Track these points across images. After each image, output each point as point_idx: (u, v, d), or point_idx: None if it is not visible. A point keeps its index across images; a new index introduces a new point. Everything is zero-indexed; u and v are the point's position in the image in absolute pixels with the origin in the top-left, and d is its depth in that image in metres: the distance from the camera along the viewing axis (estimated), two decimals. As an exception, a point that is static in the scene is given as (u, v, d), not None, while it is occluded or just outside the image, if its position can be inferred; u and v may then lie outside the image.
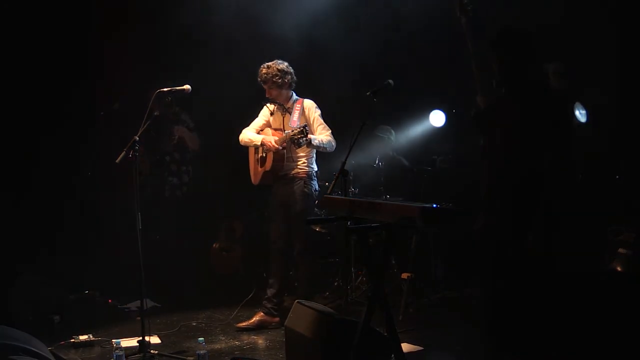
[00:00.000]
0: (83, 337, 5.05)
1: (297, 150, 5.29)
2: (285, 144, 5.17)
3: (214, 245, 6.75)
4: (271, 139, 5.24)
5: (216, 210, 6.94)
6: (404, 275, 5.58)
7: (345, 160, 4.47)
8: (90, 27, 6.21)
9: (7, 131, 5.91)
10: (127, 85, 6.29)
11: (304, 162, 5.35)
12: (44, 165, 6.10)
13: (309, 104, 5.35)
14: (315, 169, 5.44)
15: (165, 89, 4.84)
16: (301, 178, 5.33)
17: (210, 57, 6.51)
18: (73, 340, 5.02)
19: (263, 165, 5.37)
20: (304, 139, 4.89)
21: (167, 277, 6.18)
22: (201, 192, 6.68)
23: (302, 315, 4.22)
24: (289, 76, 5.30)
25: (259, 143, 5.34)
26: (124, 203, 5.63)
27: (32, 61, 5.96)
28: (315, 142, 5.12)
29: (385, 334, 3.63)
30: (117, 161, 4.58)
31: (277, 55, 5.41)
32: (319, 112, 5.35)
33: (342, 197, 4.35)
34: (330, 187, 4.69)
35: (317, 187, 5.43)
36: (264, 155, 5.38)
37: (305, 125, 4.97)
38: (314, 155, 5.44)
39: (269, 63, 5.29)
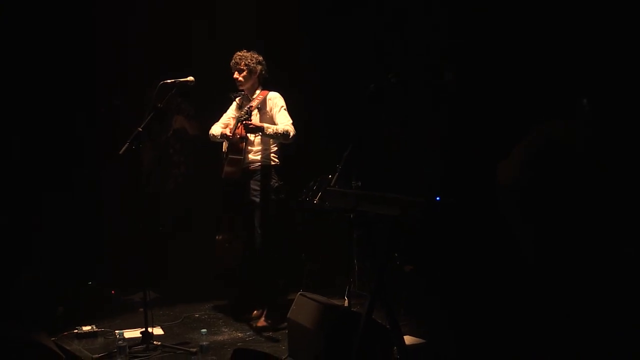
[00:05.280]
0: (86, 328, 5.06)
1: (254, 142, 5.20)
2: (242, 131, 5.04)
3: (217, 237, 6.73)
4: (228, 129, 5.19)
5: (219, 202, 6.92)
6: (407, 268, 5.58)
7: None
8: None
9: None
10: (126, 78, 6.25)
11: (262, 154, 5.22)
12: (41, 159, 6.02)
13: (272, 94, 5.23)
14: (277, 162, 5.29)
15: (168, 81, 4.82)
16: (259, 171, 5.21)
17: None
18: (76, 331, 5.03)
19: (226, 158, 5.24)
20: (248, 120, 4.84)
21: (170, 268, 6.21)
22: (203, 183, 6.64)
23: (304, 307, 4.24)
24: (261, 66, 5.23)
25: (219, 136, 5.27)
26: (126, 194, 5.65)
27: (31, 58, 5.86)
28: (269, 131, 5.01)
29: (388, 326, 3.64)
30: (120, 152, 4.56)
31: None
32: (282, 103, 5.21)
33: (345, 190, 4.34)
34: (334, 180, 4.68)
35: (275, 182, 5.26)
36: (227, 147, 5.28)
37: (252, 107, 4.94)
38: (277, 147, 5.28)
39: (246, 50, 5.25)
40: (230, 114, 5.43)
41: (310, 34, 6.57)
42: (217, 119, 5.44)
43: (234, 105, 5.42)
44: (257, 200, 5.20)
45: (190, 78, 4.90)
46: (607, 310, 3.59)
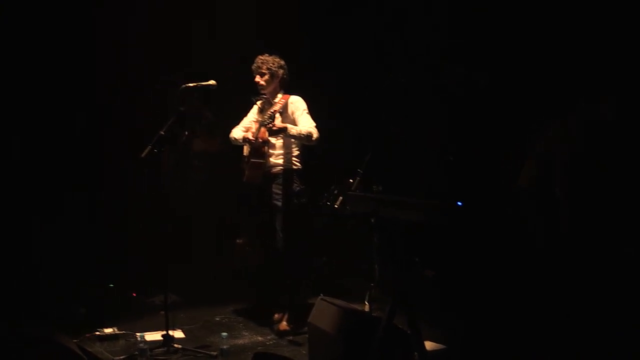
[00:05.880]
0: (108, 330, 5.08)
1: (276, 145, 5.19)
2: (264, 135, 5.03)
3: (238, 240, 6.73)
4: (250, 133, 5.18)
5: (239, 205, 6.91)
6: (429, 273, 5.53)
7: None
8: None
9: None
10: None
11: (284, 158, 5.19)
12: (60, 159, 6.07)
13: (294, 98, 5.21)
14: (299, 165, 5.26)
15: (190, 84, 4.83)
16: (280, 175, 5.19)
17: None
18: (98, 333, 5.04)
19: (248, 162, 5.23)
20: (272, 124, 4.81)
21: (191, 271, 6.19)
22: (224, 185, 6.62)
23: (325, 311, 4.21)
24: (283, 70, 5.20)
25: (241, 139, 5.26)
26: (147, 196, 5.67)
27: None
28: (292, 132, 4.98)
29: (409, 331, 3.61)
30: (142, 156, 4.55)
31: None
32: (304, 106, 5.17)
33: (366, 194, 4.32)
34: (355, 184, 4.66)
35: (297, 185, 5.22)
36: (248, 151, 5.27)
37: (275, 111, 4.90)
38: (299, 152, 5.25)
39: (268, 54, 5.22)
40: (251, 117, 5.41)
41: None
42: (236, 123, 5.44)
43: (255, 108, 5.40)
44: (279, 204, 5.18)
45: (212, 82, 4.91)
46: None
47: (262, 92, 5.26)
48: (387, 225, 3.89)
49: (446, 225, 4.63)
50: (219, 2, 6.41)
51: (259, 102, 5.35)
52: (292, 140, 5.16)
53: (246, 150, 5.32)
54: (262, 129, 5.02)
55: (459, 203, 4.87)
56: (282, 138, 5.14)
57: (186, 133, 6.30)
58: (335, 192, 5.41)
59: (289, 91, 5.29)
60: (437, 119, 5.84)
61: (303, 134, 5.02)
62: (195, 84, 4.86)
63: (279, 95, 5.26)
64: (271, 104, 5.23)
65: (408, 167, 5.97)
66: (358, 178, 5.02)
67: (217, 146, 6.42)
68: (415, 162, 5.99)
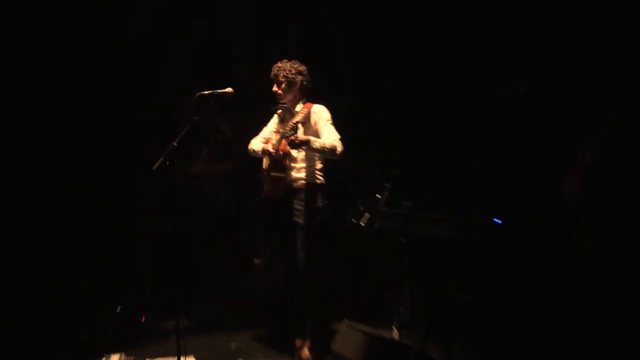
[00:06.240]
0: (115, 357, 4.90)
1: (298, 158, 4.91)
2: (285, 147, 4.75)
3: (256, 260, 6.45)
4: (270, 144, 4.93)
5: (257, 222, 6.65)
6: (464, 299, 5.18)
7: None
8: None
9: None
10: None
11: (306, 172, 4.92)
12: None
13: (317, 107, 4.93)
14: (322, 180, 4.96)
15: (206, 92, 4.56)
16: (302, 190, 4.90)
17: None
18: (104, 359, 4.85)
19: (267, 175, 4.98)
20: (294, 136, 4.52)
21: (205, 294, 5.96)
22: (241, 204, 6.40)
23: (349, 338, 4.00)
24: (301, 77, 4.93)
25: (260, 151, 5.02)
26: (159, 215, 5.50)
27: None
28: (315, 145, 4.68)
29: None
30: (154, 168, 4.29)
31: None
32: (328, 116, 4.90)
33: (396, 210, 4.07)
34: (383, 200, 4.38)
35: (320, 201, 4.92)
36: (268, 164, 5.03)
37: (297, 122, 4.62)
38: (323, 165, 4.97)
39: (287, 60, 4.97)
40: (271, 128, 5.17)
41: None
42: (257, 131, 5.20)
43: (275, 118, 5.15)
44: (301, 221, 4.88)
45: (229, 90, 4.64)
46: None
47: (281, 101, 5.02)
48: (419, 244, 3.72)
49: (484, 244, 4.34)
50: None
51: (279, 112, 5.09)
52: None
53: (265, 162, 5.08)
54: (283, 141, 4.76)
55: (498, 220, 4.55)
56: (304, 150, 4.85)
57: (206, 150, 6.05)
58: (361, 208, 5.14)
59: (313, 99, 5.02)
60: (473, 128, 5.56)
61: (327, 148, 4.73)
62: (210, 91, 4.60)
63: (301, 104, 4.99)
64: (292, 114, 4.98)
65: (441, 180, 5.67)
66: (386, 193, 4.78)
67: (231, 166, 6.17)
68: (449, 174, 5.68)
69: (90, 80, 5.99)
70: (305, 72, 4.96)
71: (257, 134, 5.22)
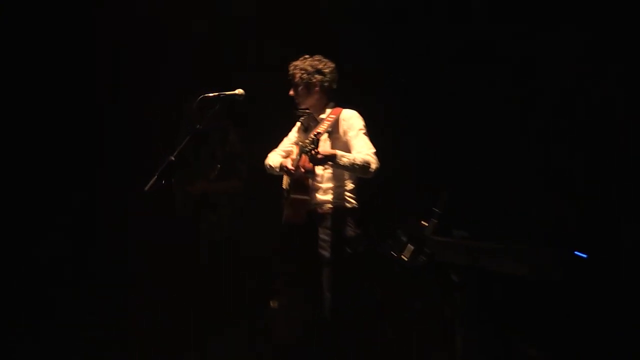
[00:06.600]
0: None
1: (324, 177, 4.14)
2: (306, 164, 3.95)
3: (272, 302, 5.60)
4: (289, 160, 4.16)
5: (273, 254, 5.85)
6: (534, 353, 4.23)
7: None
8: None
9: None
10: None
11: (334, 193, 4.15)
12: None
13: (347, 113, 4.12)
14: (354, 204, 4.20)
15: (210, 94, 3.87)
16: (329, 215, 4.14)
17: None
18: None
19: (287, 197, 4.22)
20: (315, 150, 3.68)
21: (213, 339, 5.10)
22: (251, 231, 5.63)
23: None
24: (321, 77, 4.13)
25: (278, 168, 4.24)
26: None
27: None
28: (343, 161, 3.85)
29: None
30: (146, 189, 3.61)
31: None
32: (360, 124, 4.09)
33: (457, 240, 3.28)
34: (431, 228, 3.70)
35: (352, 229, 4.16)
36: (288, 184, 4.27)
37: (319, 133, 3.81)
38: (354, 185, 4.20)
39: (307, 56, 4.20)
40: (292, 139, 4.38)
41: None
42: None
43: (297, 127, 4.36)
44: (327, 254, 4.09)
45: (239, 91, 3.93)
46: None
47: (301, 107, 4.24)
48: (479, 282, 2.96)
49: (562, 283, 3.60)
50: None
51: (301, 119, 4.30)
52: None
53: (285, 182, 4.28)
54: (304, 156, 3.93)
55: (582, 254, 3.66)
56: (331, 167, 4.03)
57: (219, 166, 5.24)
58: (403, 238, 4.27)
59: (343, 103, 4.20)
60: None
61: (357, 165, 3.89)
62: (216, 93, 3.90)
63: (327, 110, 4.17)
64: (317, 122, 4.17)
65: (502, 206, 4.81)
66: (434, 220, 3.98)
67: (241, 185, 5.32)
68: (511, 198, 4.82)
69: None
70: (328, 70, 4.16)
71: (276, 145, 4.41)
